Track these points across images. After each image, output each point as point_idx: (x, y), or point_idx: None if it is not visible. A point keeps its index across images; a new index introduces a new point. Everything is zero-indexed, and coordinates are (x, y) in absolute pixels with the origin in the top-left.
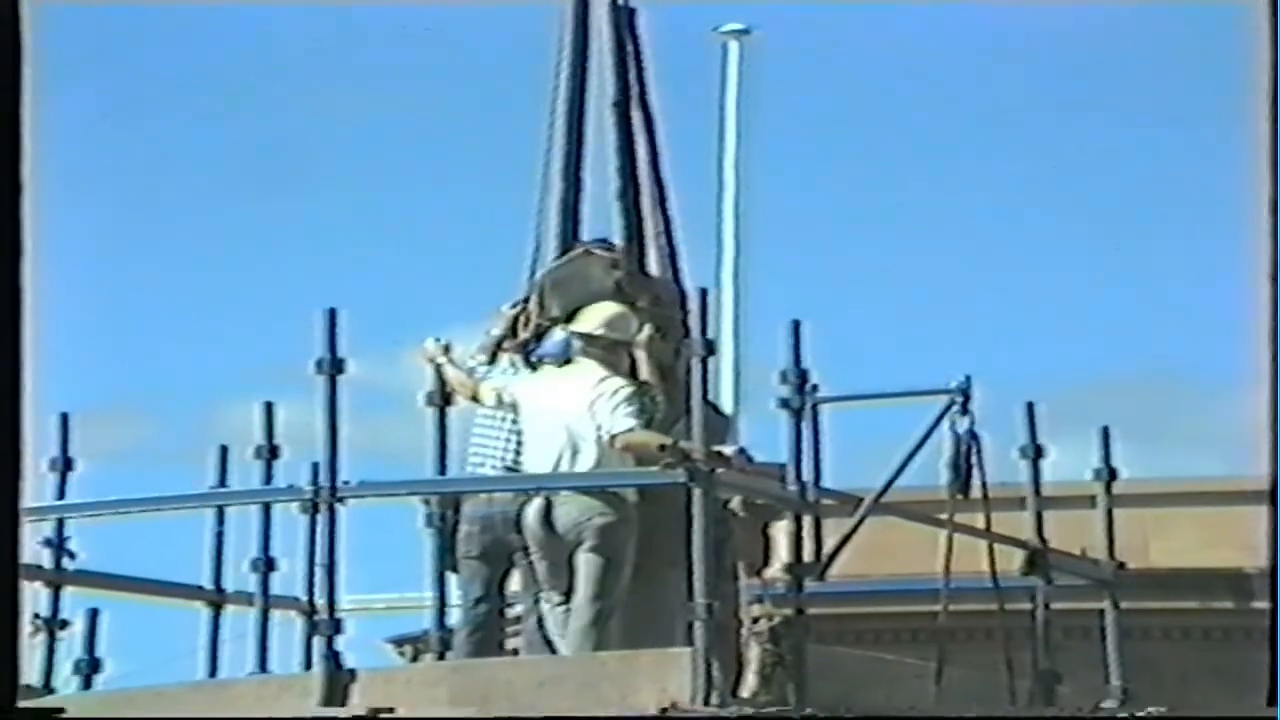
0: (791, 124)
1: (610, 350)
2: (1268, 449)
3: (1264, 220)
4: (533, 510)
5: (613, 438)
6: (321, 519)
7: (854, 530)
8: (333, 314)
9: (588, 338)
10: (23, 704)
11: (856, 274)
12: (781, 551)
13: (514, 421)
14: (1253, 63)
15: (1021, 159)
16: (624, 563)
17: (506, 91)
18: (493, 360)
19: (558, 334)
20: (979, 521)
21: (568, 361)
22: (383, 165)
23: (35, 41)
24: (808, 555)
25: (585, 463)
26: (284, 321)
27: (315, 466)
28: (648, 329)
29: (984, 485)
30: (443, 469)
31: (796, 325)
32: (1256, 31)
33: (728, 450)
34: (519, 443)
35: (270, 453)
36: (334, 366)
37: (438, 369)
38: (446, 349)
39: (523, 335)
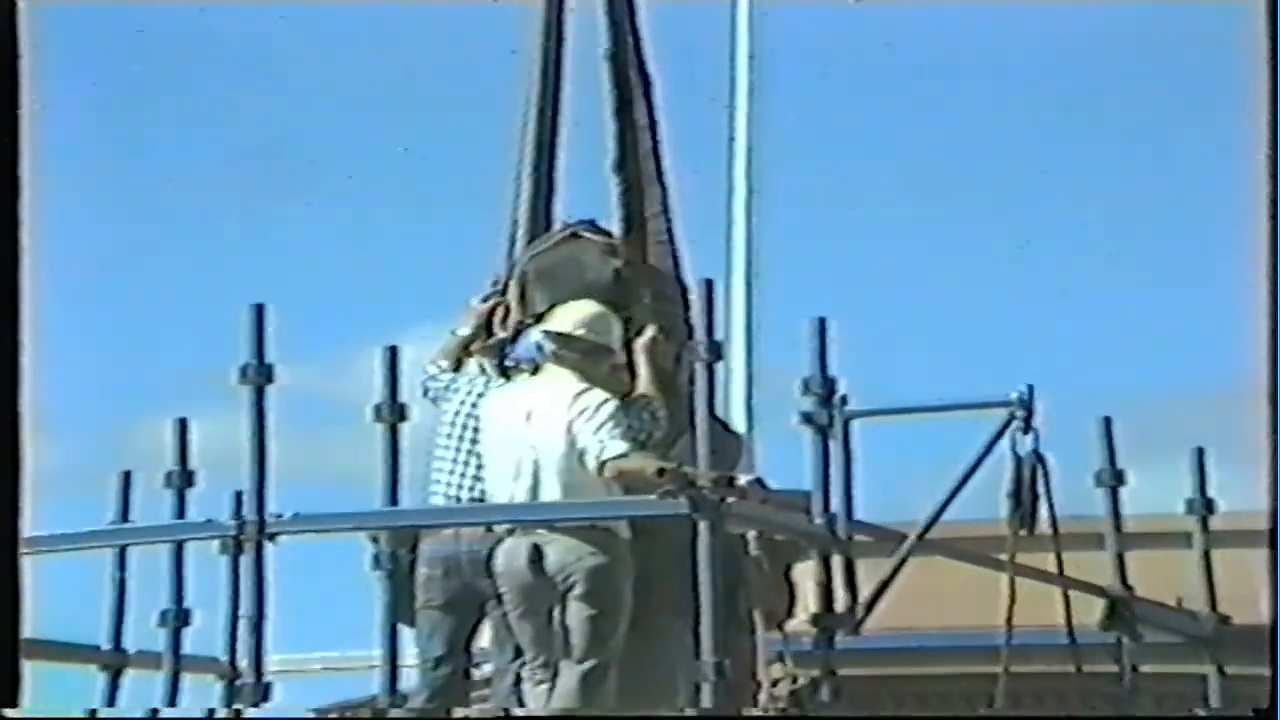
0: (813, 92)
1: (589, 357)
2: (1267, 469)
3: (1263, 221)
4: (513, 551)
5: (601, 465)
6: (246, 560)
7: (895, 573)
8: (259, 311)
9: (563, 339)
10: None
11: (890, 266)
12: (807, 599)
13: (474, 442)
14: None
15: (1073, 143)
16: (618, 613)
17: (473, 80)
18: (458, 367)
19: (534, 335)
20: (1047, 563)
21: (538, 369)
22: (332, 157)
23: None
24: (839, 603)
25: (559, 492)
26: (212, 327)
27: (239, 496)
28: (650, 329)
29: (1053, 518)
30: (394, 499)
31: (822, 324)
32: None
33: (740, 476)
34: (479, 467)
35: (184, 479)
36: (261, 374)
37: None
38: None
39: (499, 334)
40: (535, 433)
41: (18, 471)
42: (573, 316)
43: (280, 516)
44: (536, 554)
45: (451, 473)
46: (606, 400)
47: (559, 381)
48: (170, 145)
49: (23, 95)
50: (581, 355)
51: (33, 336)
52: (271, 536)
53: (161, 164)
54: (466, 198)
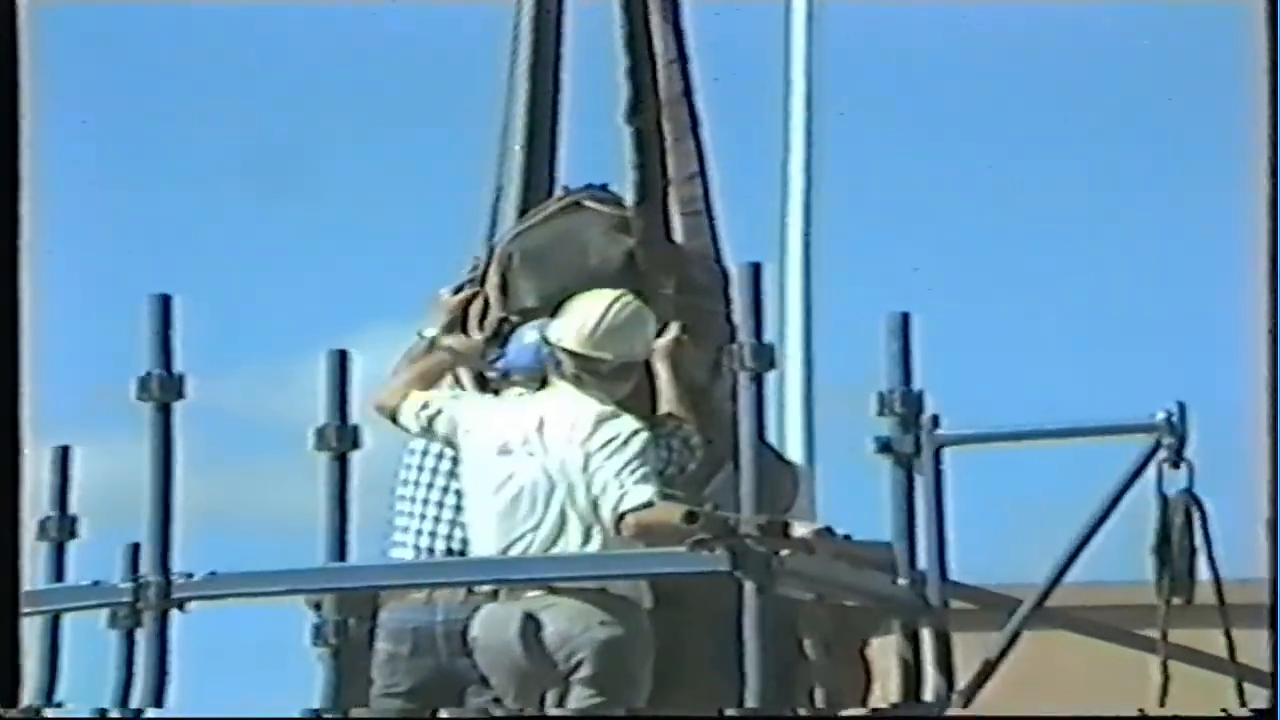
0: (888, 42)
1: (619, 374)
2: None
3: (1263, 221)
4: (498, 619)
5: (619, 518)
6: (145, 634)
7: (1005, 651)
8: (165, 304)
9: (584, 361)
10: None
11: (979, 251)
12: (887, 682)
13: (452, 476)
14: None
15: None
16: (633, 700)
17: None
18: None
19: (527, 335)
20: (1209, 642)
21: (545, 382)
22: (287, 146)
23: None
24: (929, 689)
25: (572, 542)
26: (109, 336)
27: (135, 550)
28: (673, 328)
29: (1216, 581)
30: (342, 551)
31: (905, 322)
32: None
33: (799, 525)
34: (458, 509)
35: (64, 529)
36: (166, 388)
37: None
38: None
39: (476, 336)
40: (539, 464)
41: (17, 480)
42: (590, 321)
43: (190, 577)
44: (530, 623)
45: (422, 517)
46: (638, 431)
47: (574, 400)
48: (136, 147)
49: (23, 96)
50: (607, 376)
51: None
52: (178, 604)
53: (132, 163)
54: (437, 171)
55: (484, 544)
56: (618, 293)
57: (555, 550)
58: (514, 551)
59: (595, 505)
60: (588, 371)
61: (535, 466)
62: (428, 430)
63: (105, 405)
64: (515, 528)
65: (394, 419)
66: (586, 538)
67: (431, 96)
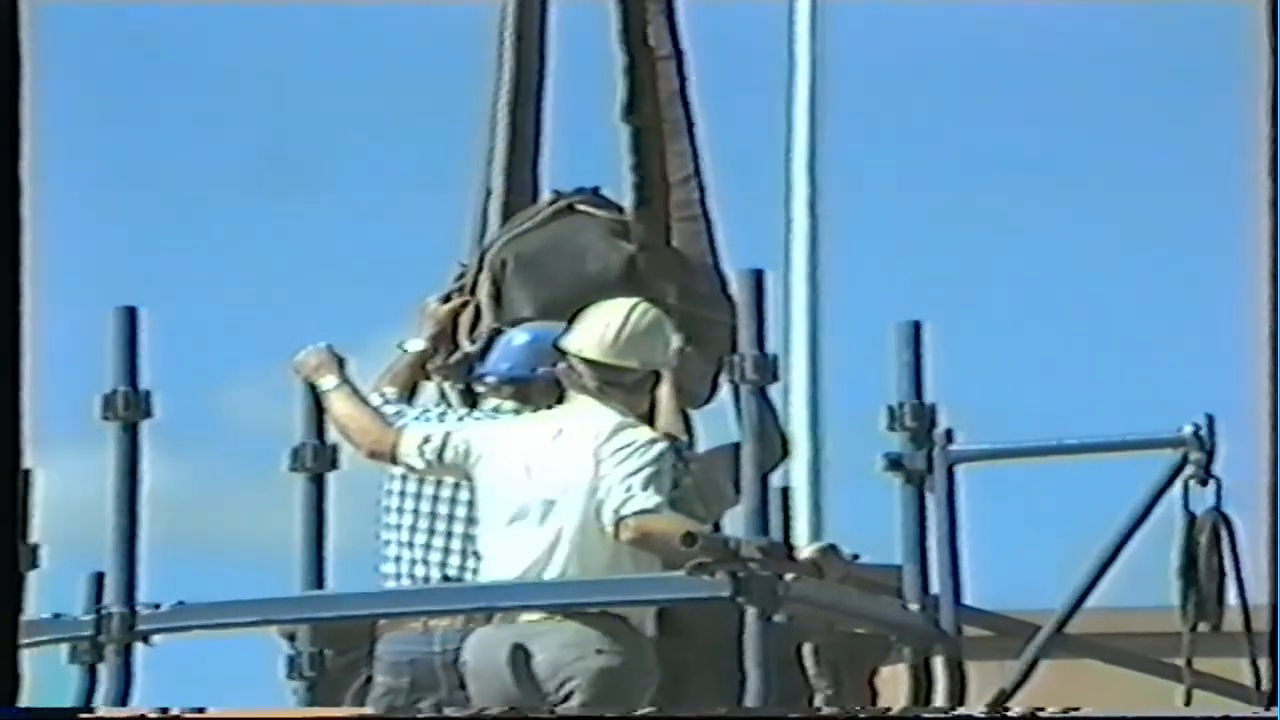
0: (897, 37)
1: (642, 384)
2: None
3: (1264, 221)
4: (487, 644)
5: (619, 521)
6: (109, 669)
7: (1022, 680)
8: (131, 316)
9: (603, 370)
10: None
11: (995, 257)
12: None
13: (438, 499)
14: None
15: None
16: None
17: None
18: (413, 395)
19: (518, 337)
20: (1239, 671)
21: (560, 395)
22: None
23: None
24: None
25: (583, 564)
26: (75, 349)
27: (98, 580)
28: (675, 340)
29: (1244, 607)
30: (319, 578)
31: (916, 331)
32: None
33: (805, 547)
34: (466, 534)
35: (26, 559)
36: (132, 406)
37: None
38: (341, 363)
39: (465, 347)
40: (556, 483)
41: (18, 479)
42: (617, 329)
43: (157, 607)
44: (520, 649)
45: (410, 545)
46: (656, 441)
47: (594, 409)
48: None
49: (24, 96)
50: (631, 387)
51: None
52: (144, 636)
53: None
54: (428, 173)
55: (501, 571)
56: (635, 300)
57: (559, 571)
58: (527, 573)
59: (599, 511)
60: (610, 383)
61: (552, 487)
62: (436, 465)
63: (67, 424)
64: (531, 552)
65: (393, 460)
66: (587, 554)
67: (421, 94)
